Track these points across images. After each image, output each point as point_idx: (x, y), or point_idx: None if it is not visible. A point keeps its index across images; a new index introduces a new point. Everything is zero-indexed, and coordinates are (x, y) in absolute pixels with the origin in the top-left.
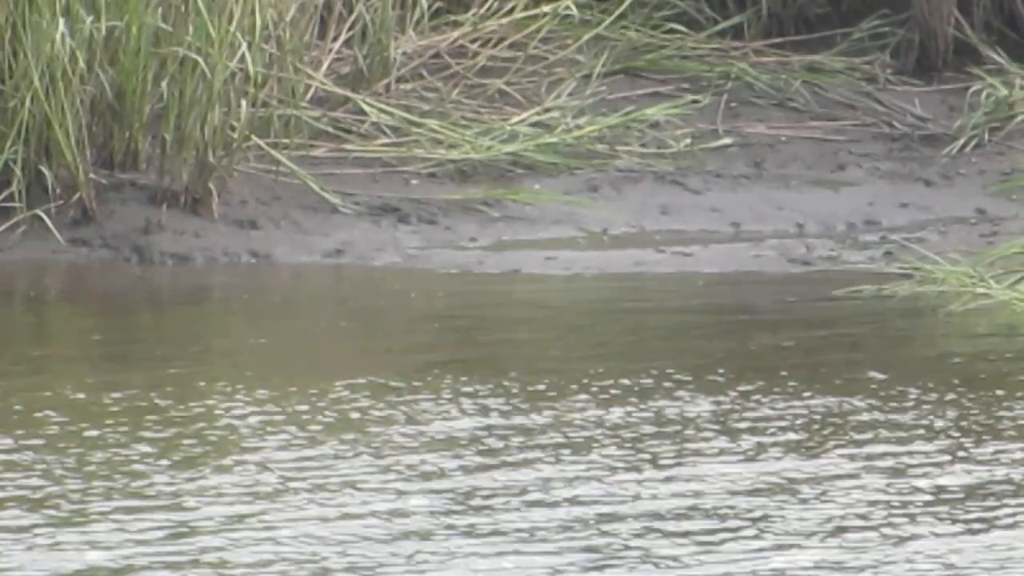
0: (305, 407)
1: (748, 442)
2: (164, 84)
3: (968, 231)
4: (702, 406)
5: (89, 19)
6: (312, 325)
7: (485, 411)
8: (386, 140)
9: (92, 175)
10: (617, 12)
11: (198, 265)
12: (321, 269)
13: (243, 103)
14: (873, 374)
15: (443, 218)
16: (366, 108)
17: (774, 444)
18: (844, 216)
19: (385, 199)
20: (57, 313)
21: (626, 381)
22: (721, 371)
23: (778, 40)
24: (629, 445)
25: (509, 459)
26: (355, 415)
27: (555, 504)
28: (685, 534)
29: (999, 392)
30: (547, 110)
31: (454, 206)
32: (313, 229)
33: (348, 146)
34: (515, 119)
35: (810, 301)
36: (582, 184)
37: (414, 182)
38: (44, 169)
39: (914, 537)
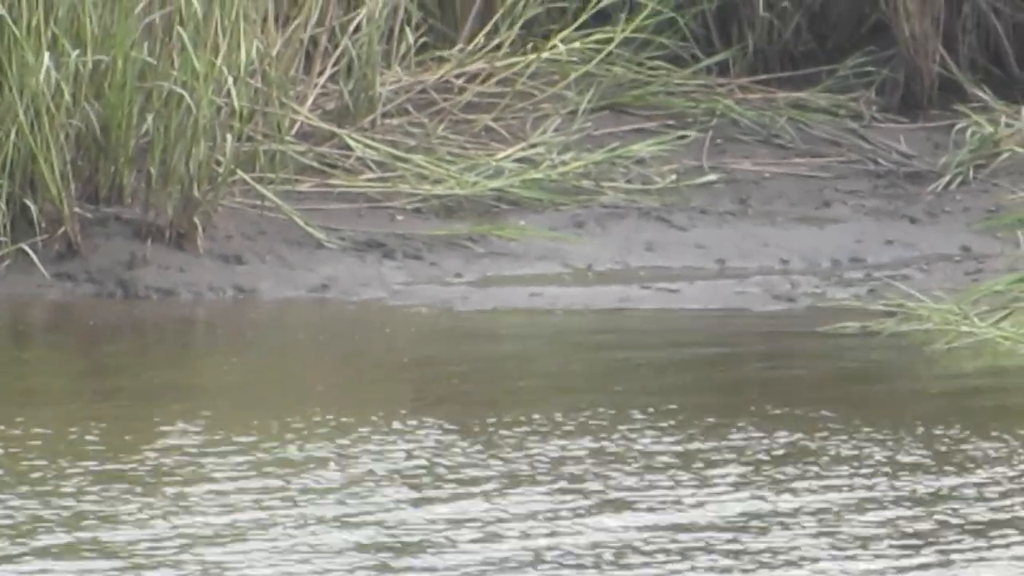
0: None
1: (713, 477)
2: (150, 118)
3: (953, 268)
4: (672, 441)
5: (75, 53)
6: (292, 361)
7: (442, 448)
8: (371, 175)
9: (77, 209)
10: (605, 52)
11: (183, 300)
12: (306, 304)
13: (228, 138)
14: (852, 410)
15: (428, 253)
16: (352, 143)
17: (740, 479)
18: (829, 253)
19: (370, 234)
20: (41, 347)
21: (595, 416)
22: (697, 406)
23: (763, 77)
24: (592, 478)
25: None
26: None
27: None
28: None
29: (974, 429)
30: (533, 146)
31: (439, 241)
32: (298, 264)
33: (333, 181)
34: (501, 155)
35: (794, 337)
36: (567, 220)
37: (399, 217)
38: (29, 203)
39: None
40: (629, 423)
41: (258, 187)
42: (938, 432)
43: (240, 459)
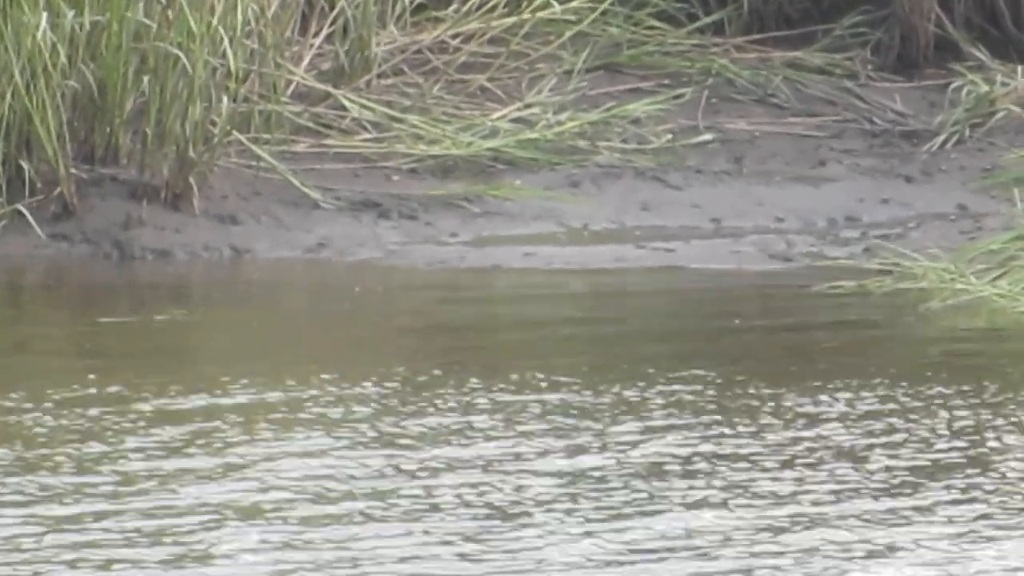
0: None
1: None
2: (145, 79)
3: (949, 227)
4: (665, 392)
5: (71, 14)
6: (288, 320)
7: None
8: (367, 136)
9: (73, 170)
10: (600, 9)
11: (178, 260)
12: (301, 264)
13: (224, 98)
14: (848, 369)
15: (423, 213)
16: (347, 104)
17: (736, 434)
18: (825, 212)
19: (366, 194)
20: (36, 308)
21: (595, 375)
22: (694, 364)
23: (759, 36)
24: (587, 428)
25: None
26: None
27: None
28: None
29: (974, 386)
30: (528, 106)
31: (434, 202)
32: (294, 224)
33: (329, 142)
34: (496, 115)
35: (790, 296)
36: (563, 180)
37: (395, 178)
38: (24, 164)
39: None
40: (622, 379)
41: (254, 147)
42: (930, 389)
43: (235, 416)
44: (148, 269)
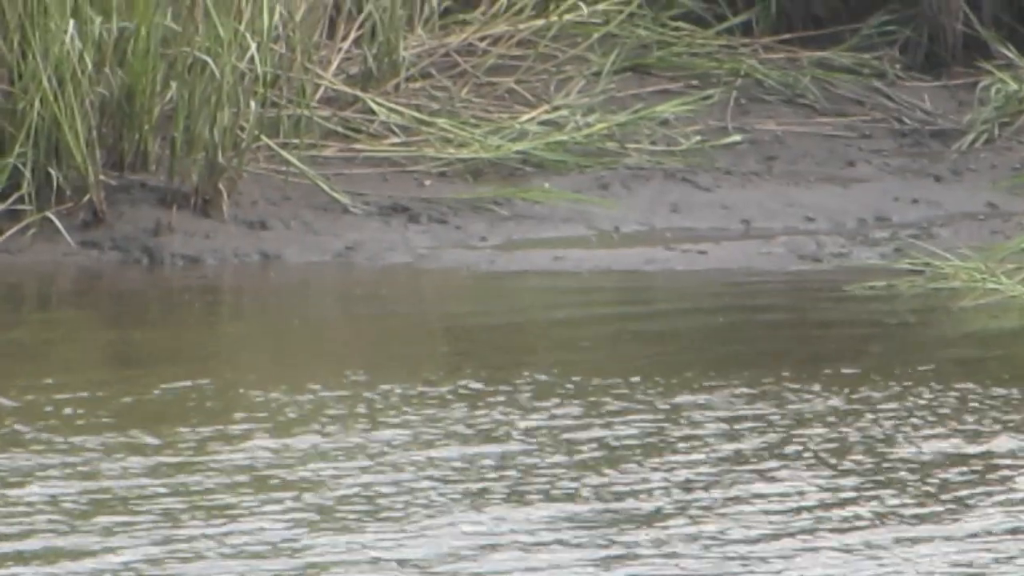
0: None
1: (734, 435)
2: (174, 85)
3: (979, 226)
4: (696, 399)
5: (98, 20)
6: (318, 324)
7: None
8: (396, 139)
9: (102, 177)
10: (627, 11)
11: (208, 266)
12: (331, 269)
13: (252, 103)
14: (879, 370)
15: (453, 217)
16: (375, 107)
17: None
18: (854, 212)
19: (395, 198)
20: (67, 315)
21: (619, 380)
22: (723, 366)
23: (787, 36)
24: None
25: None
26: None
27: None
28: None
29: (1003, 389)
30: (556, 108)
31: (464, 205)
32: (323, 229)
33: (358, 146)
34: (524, 117)
35: (821, 297)
36: (592, 182)
37: (426, 182)
38: (53, 171)
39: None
40: (654, 384)
41: (282, 152)
42: (965, 387)
43: (264, 420)
44: (178, 275)
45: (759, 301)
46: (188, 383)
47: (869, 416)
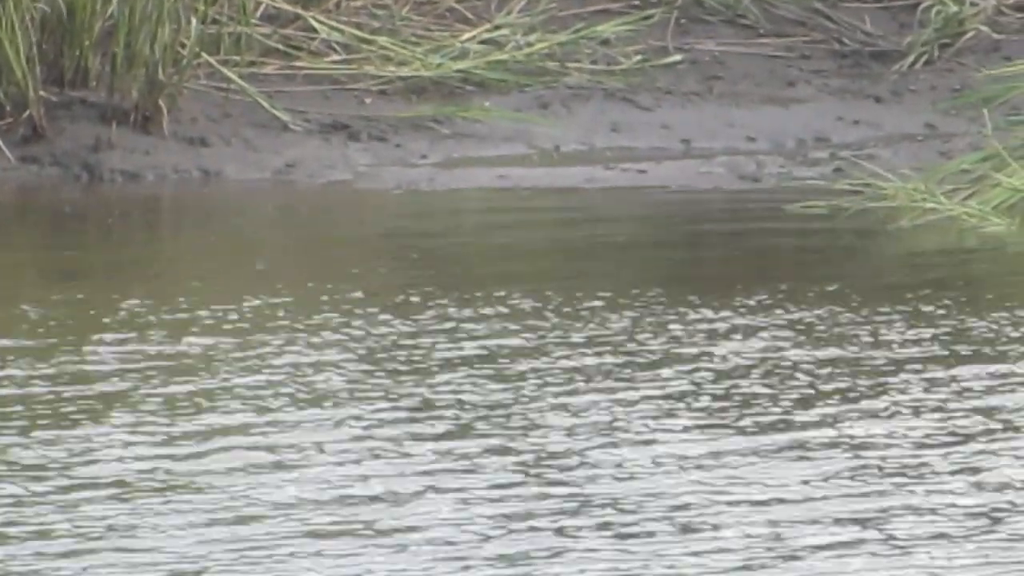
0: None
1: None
2: (114, 1)
3: (918, 147)
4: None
5: None
6: (258, 240)
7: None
8: (336, 57)
9: (42, 93)
10: None
11: (148, 182)
12: (271, 186)
13: (193, 20)
14: (813, 284)
15: (393, 135)
16: (316, 25)
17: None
18: (794, 133)
19: (335, 116)
20: (5, 230)
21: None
22: (660, 285)
23: None
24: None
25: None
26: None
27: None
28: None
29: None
30: (497, 27)
31: (404, 123)
32: (263, 146)
33: (298, 63)
34: (465, 36)
35: (760, 216)
36: (532, 101)
37: (366, 100)
38: None
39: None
40: (591, 300)
41: (223, 70)
42: (903, 304)
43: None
44: (118, 191)
45: (697, 219)
46: (125, 297)
47: (794, 325)
